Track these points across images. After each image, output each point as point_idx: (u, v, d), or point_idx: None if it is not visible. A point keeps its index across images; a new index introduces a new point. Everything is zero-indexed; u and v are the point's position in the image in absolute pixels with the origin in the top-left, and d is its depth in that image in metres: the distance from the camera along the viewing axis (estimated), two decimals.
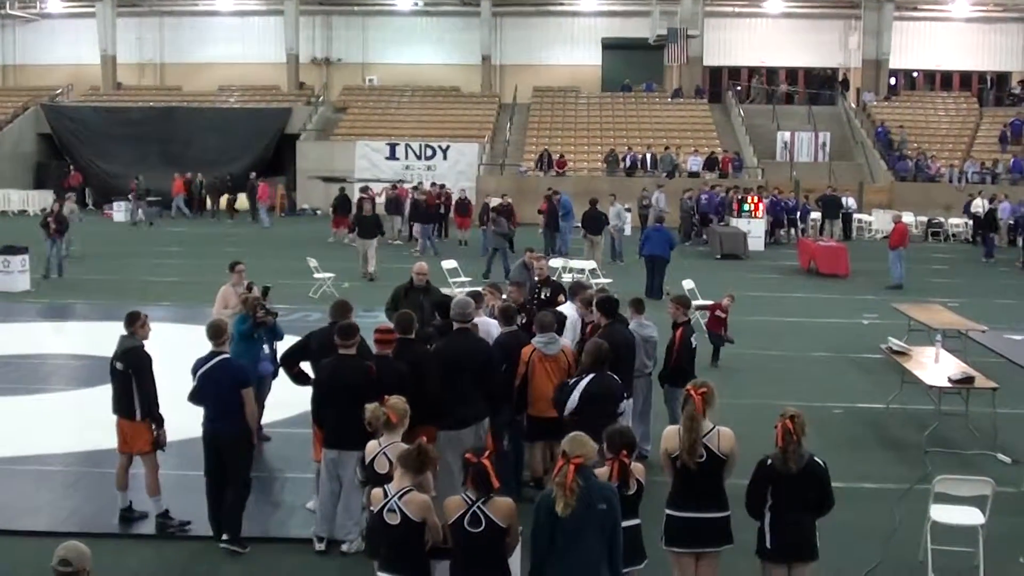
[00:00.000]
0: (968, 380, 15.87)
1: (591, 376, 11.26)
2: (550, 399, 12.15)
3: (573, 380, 11.48)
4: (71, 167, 56.66)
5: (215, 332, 11.85)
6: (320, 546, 11.50)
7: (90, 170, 56.43)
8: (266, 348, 15.01)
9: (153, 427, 12.11)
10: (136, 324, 12.31)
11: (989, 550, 11.18)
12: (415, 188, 43.33)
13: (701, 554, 9.51)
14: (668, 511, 9.44)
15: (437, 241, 40.19)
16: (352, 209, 41.85)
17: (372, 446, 9.54)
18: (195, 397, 11.73)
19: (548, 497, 7.96)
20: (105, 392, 17.50)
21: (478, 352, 12.08)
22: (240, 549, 11.51)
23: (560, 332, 13.33)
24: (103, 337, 19.36)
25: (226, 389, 11.52)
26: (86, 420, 16.69)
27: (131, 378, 12.04)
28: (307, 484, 13.34)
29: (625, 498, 8.47)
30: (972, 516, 11.30)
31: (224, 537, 11.56)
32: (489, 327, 13.33)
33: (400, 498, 8.09)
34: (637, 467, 8.93)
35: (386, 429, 9.49)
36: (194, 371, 11.75)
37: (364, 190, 43.78)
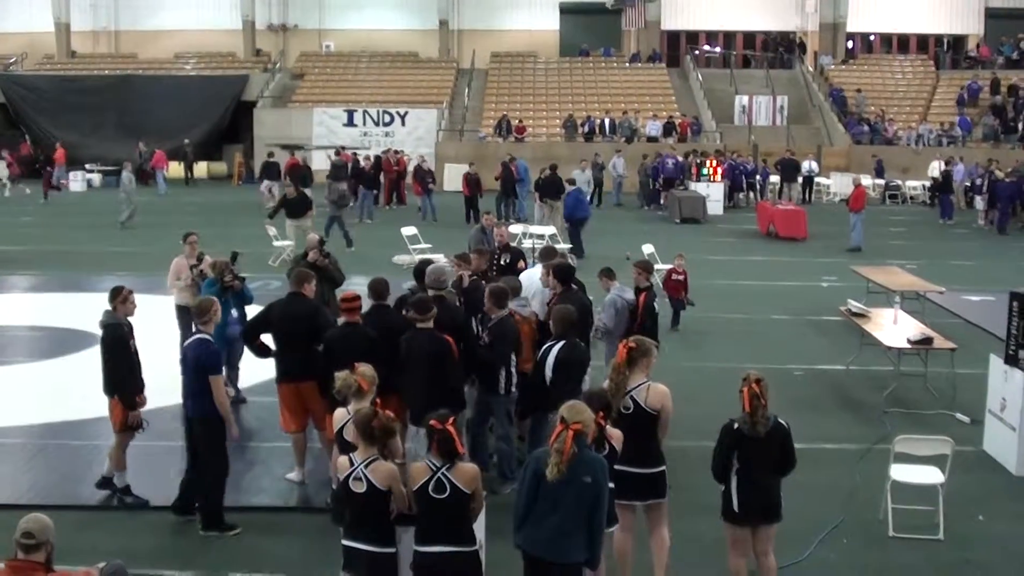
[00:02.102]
0: (927, 341, 16.00)
1: (562, 343, 11.19)
2: (526, 359, 12.30)
3: (544, 348, 11.36)
4: (27, 137, 56.20)
5: (199, 310, 11.63)
6: None
7: (46, 140, 55.86)
8: (234, 312, 15.08)
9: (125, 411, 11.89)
10: (116, 299, 12.08)
11: (949, 508, 11.33)
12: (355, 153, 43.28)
13: (645, 505, 9.82)
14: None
15: (385, 208, 40.69)
16: (280, 174, 42.13)
17: (341, 414, 9.53)
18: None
19: (537, 459, 8.01)
20: (64, 363, 17.42)
21: (453, 319, 11.99)
22: (229, 532, 11.37)
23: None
24: (61, 308, 19.25)
25: (193, 369, 11.32)
26: (46, 392, 16.63)
27: (104, 355, 11.92)
28: (274, 452, 13.34)
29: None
30: (932, 475, 11.42)
31: (201, 528, 11.39)
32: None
33: (366, 467, 8.09)
34: (615, 432, 9.00)
35: (355, 397, 9.48)
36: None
37: (270, 155, 43.67)
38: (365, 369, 9.62)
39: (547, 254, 15.45)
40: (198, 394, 11.27)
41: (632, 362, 9.62)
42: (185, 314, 15.95)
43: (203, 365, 11.22)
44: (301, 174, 39.88)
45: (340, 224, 31.54)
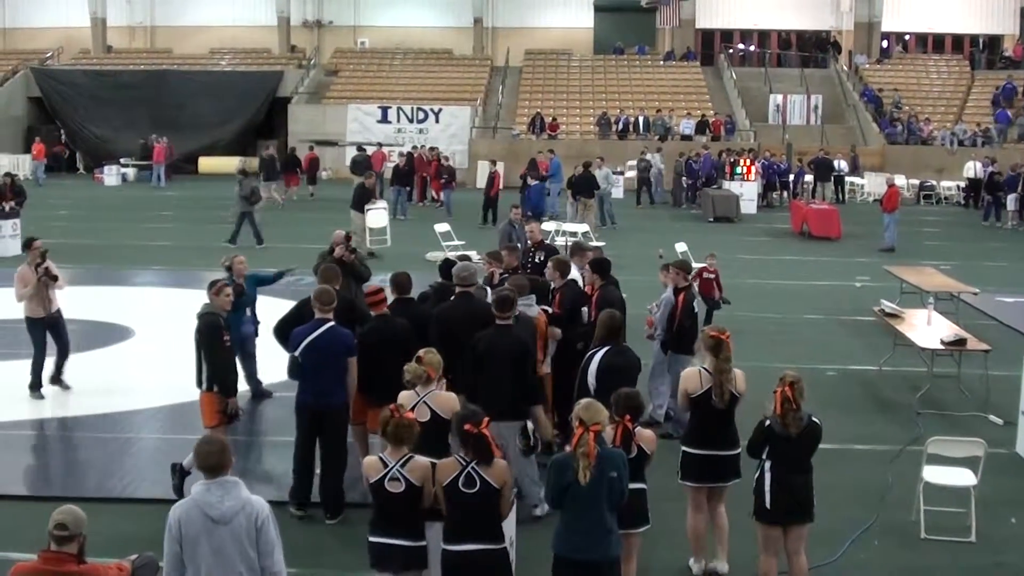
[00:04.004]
0: (960, 342, 15.91)
1: (606, 348, 10.91)
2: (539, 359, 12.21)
3: (588, 354, 11.07)
4: (62, 134, 56.65)
5: (327, 298, 11.48)
6: None
7: (81, 134, 56.27)
8: (248, 311, 15.07)
9: (223, 400, 11.74)
10: (211, 291, 12.07)
11: (981, 511, 11.27)
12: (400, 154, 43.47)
13: (712, 488, 10.06)
14: (686, 448, 10.00)
15: (418, 205, 41.06)
16: (301, 167, 43.27)
17: (410, 396, 9.52)
18: (297, 369, 11.46)
19: (560, 465, 8.03)
20: (98, 356, 17.53)
21: (480, 316, 11.82)
22: (334, 520, 11.54)
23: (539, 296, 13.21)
24: (95, 302, 19.37)
25: (335, 358, 11.25)
26: (79, 385, 16.66)
27: (199, 347, 11.83)
28: None
29: (627, 461, 8.49)
30: (964, 477, 11.35)
31: (328, 517, 11.52)
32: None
33: (403, 466, 8.10)
34: (645, 434, 9.03)
35: (423, 383, 9.63)
36: (296, 341, 11.42)
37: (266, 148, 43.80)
38: (431, 357, 9.72)
39: (577, 250, 15.41)
40: (335, 383, 11.26)
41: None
42: (36, 326, 16.01)
43: (351, 347, 11.30)
44: (315, 169, 40.20)
45: (251, 221, 30.73)
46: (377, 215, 30.40)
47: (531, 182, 32.86)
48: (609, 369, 10.69)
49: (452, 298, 12.38)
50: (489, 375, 11.11)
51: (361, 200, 29.58)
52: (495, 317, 11.37)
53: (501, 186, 37.25)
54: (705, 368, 9.99)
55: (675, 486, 10.32)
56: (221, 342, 11.73)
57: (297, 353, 11.39)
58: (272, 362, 14.98)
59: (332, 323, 11.37)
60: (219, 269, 15.14)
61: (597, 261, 13.66)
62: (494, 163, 39.14)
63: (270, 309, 15.34)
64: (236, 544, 7.09)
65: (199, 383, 11.84)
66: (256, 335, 15.07)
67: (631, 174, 45.33)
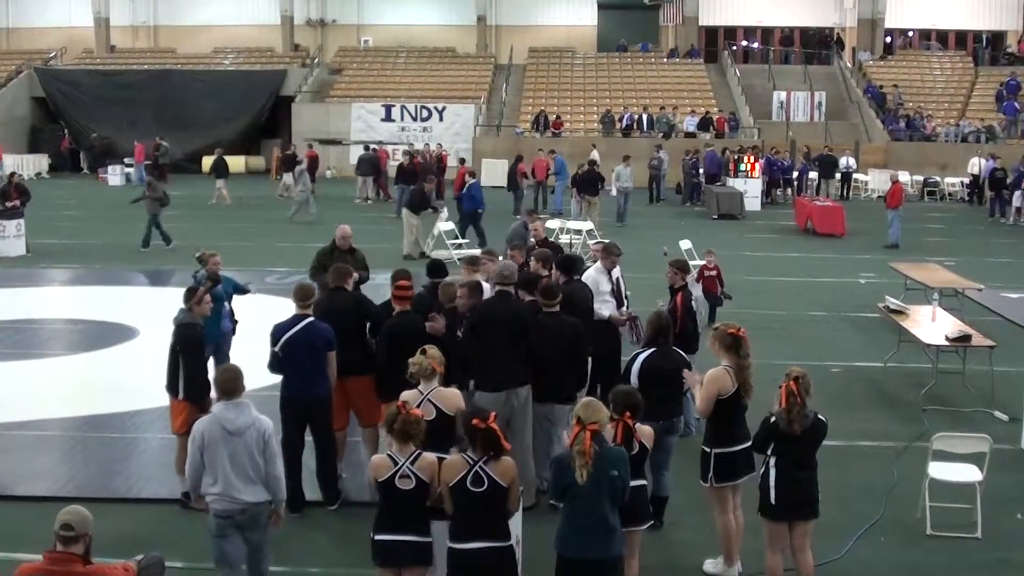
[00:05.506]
0: (965, 338, 15.88)
1: (651, 350, 10.77)
2: None
3: (633, 354, 10.91)
4: (66, 132, 56.72)
5: (304, 294, 11.68)
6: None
7: (85, 134, 56.29)
8: (227, 305, 14.95)
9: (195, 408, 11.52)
10: (192, 300, 12.03)
11: (986, 507, 11.24)
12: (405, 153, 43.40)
13: (736, 484, 9.99)
14: (717, 451, 9.81)
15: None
16: (296, 166, 42.56)
17: (414, 395, 9.54)
18: (279, 364, 11.51)
19: (560, 464, 8.04)
20: (102, 356, 17.50)
21: (517, 316, 11.76)
22: (333, 506, 11.91)
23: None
24: (99, 302, 19.40)
25: (316, 351, 11.44)
26: (83, 385, 16.72)
27: (178, 355, 11.72)
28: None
29: (629, 458, 8.47)
30: (970, 473, 11.35)
31: (330, 505, 11.86)
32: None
33: (413, 463, 8.11)
34: (645, 430, 9.01)
35: (426, 378, 9.64)
36: (276, 336, 11.50)
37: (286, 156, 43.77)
38: (434, 351, 9.77)
39: (608, 250, 15.16)
40: (318, 375, 11.50)
41: None
42: None
43: (331, 341, 11.51)
44: (315, 168, 40.16)
45: (156, 223, 29.75)
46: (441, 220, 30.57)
47: (469, 180, 32.02)
48: (651, 371, 10.55)
49: (489, 296, 12.36)
50: (544, 361, 11.33)
51: (419, 203, 29.42)
52: (541, 306, 11.65)
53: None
54: (729, 367, 9.84)
55: (676, 484, 10.31)
56: (201, 356, 11.84)
57: (277, 348, 11.51)
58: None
59: (311, 318, 11.55)
60: (222, 269, 15.10)
61: (563, 259, 13.59)
62: (463, 161, 39.15)
63: (261, 308, 15.33)
64: (248, 452, 8.59)
65: (172, 389, 11.79)
66: (233, 333, 14.98)
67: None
